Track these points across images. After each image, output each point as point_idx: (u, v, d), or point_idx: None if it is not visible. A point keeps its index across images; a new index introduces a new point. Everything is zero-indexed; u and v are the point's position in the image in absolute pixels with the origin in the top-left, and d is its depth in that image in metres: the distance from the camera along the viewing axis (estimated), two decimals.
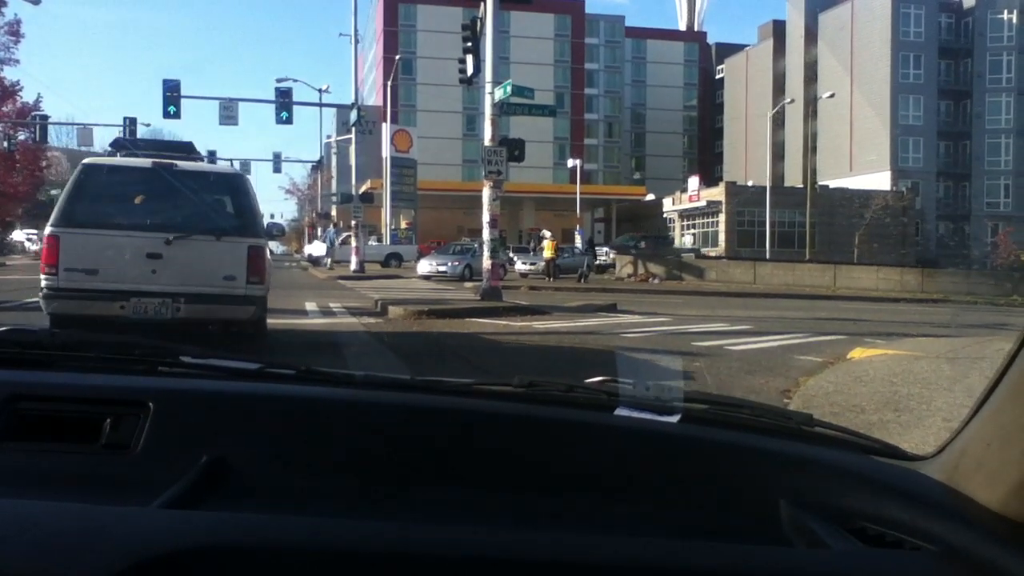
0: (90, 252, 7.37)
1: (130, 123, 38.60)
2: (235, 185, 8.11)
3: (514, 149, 15.75)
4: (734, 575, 0.90)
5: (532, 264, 34.75)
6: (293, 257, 67.33)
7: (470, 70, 16.89)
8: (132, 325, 7.13)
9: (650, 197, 66.42)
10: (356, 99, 31.63)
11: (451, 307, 14.53)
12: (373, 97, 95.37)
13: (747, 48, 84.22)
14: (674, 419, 1.25)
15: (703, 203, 56.28)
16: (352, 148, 32.77)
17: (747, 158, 79.33)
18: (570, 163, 52.69)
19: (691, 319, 14.96)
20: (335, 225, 44.80)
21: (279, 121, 29.77)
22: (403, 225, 55.51)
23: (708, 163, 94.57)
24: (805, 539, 1.04)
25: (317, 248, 44.76)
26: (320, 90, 53.56)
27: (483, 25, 16.57)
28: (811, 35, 70.61)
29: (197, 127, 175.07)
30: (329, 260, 36.38)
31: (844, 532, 1.04)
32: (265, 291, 8.02)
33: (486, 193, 15.72)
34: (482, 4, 16.66)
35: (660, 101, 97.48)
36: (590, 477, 1.18)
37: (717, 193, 56.34)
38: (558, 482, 1.17)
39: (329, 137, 60.48)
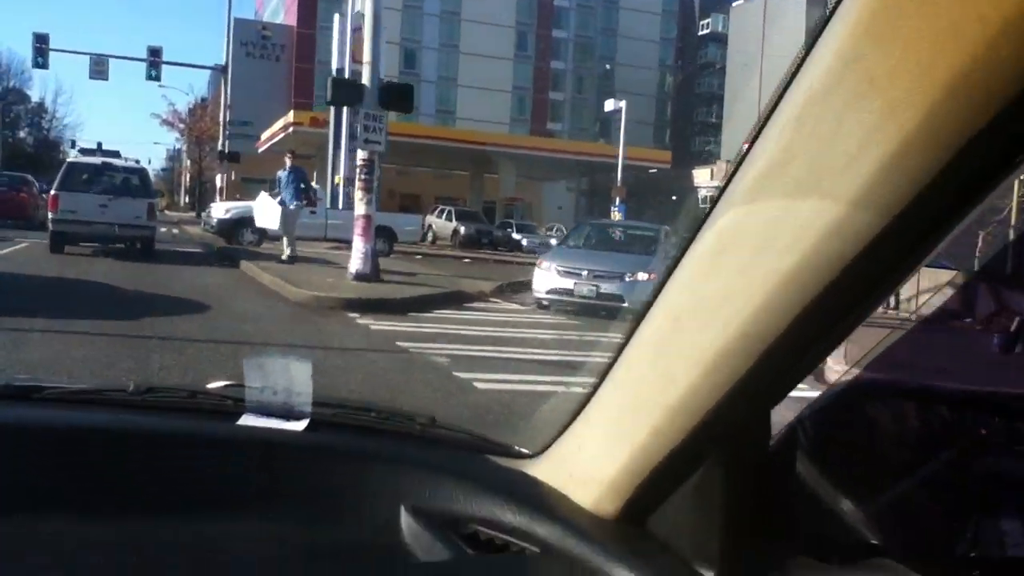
0: (72, 202, 15.08)
1: None
2: (140, 172, 17.14)
3: None
4: None
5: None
6: (168, 216, 42.56)
7: None
8: (94, 236, 15.45)
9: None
10: None
11: None
12: (281, 15, 74.62)
13: None
14: (300, 425, 1.16)
15: None
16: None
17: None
18: (609, 106, 35.31)
19: None
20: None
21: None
22: (336, 180, 36.49)
23: (688, 134, 79.61)
24: (421, 547, 1.02)
25: (244, 210, 20.64)
26: None
27: None
28: None
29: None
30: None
31: (457, 538, 1.02)
32: (155, 225, 16.51)
33: None
34: None
35: (632, 57, 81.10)
36: (209, 493, 1.07)
37: None
38: (172, 501, 1.06)
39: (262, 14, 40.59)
